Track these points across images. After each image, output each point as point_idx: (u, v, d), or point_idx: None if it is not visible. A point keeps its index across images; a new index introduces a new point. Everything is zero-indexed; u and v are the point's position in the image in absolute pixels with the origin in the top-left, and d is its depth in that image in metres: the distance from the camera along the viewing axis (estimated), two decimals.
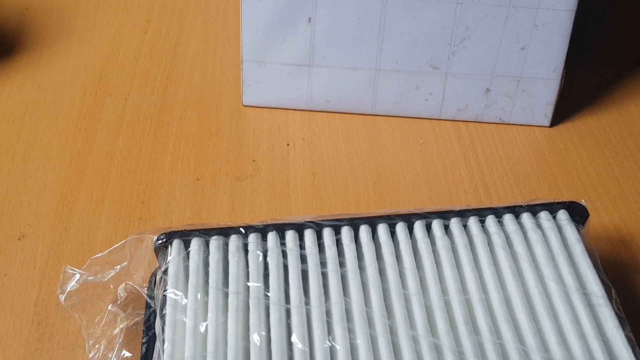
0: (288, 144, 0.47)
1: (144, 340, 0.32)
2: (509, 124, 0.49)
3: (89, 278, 0.35)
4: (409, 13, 0.45)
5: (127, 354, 0.34)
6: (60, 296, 0.35)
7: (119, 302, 0.35)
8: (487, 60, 0.46)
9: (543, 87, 0.47)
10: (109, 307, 0.35)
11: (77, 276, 0.35)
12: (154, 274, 0.35)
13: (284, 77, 0.48)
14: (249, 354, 0.30)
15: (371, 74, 0.47)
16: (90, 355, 0.34)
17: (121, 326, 0.35)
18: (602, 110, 0.51)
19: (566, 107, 0.50)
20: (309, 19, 0.46)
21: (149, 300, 0.34)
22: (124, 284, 0.35)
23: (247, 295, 0.32)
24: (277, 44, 0.47)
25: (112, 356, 0.33)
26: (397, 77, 0.47)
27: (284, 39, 0.47)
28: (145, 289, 0.35)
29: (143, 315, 0.34)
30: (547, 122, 0.49)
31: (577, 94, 0.51)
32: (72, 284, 0.35)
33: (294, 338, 0.30)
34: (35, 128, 0.48)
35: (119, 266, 0.35)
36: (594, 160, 0.47)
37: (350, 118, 0.49)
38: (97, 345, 0.34)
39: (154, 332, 0.32)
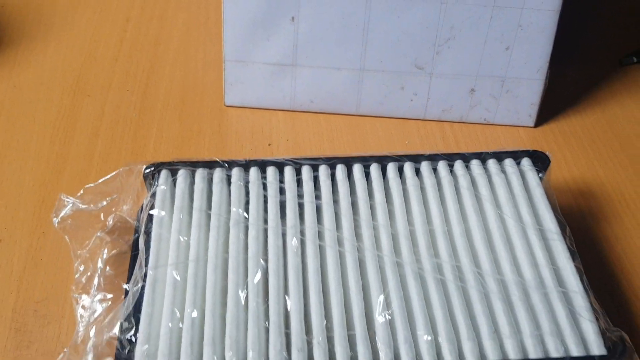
0: (270, 145, 0.47)
1: (131, 257, 0.35)
2: (493, 124, 0.49)
3: (82, 206, 0.37)
4: (394, 13, 0.44)
5: (111, 272, 0.36)
6: (53, 219, 0.37)
7: (107, 229, 0.37)
8: (471, 61, 0.46)
9: (527, 87, 0.47)
10: (98, 233, 0.37)
11: (71, 204, 0.37)
12: (142, 204, 0.37)
13: (267, 76, 0.47)
14: (227, 267, 0.33)
15: (355, 74, 0.47)
16: (77, 276, 0.36)
17: (107, 249, 0.37)
18: (586, 110, 0.51)
19: (550, 108, 0.50)
20: (293, 18, 0.45)
21: (136, 224, 0.36)
22: (113, 213, 0.37)
23: (228, 218, 0.35)
24: (260, 43, 0.46)
25: (97, 275, 0.36)
26: (381, 77, 0.47)
27: (267, 38, 0.46)
28: (133, 219, 0.37)
29: (129, 242, 0.37)
30: (531, 123, 0.49)
31: (561, 95, 0.51)
32: (65, 211, 0.37)
33: (269, 255, 0.33)
34: (12, 129, 0.46)
35: (109, 198, 0.37)
36: (578, 161, 0.47)
37: (334, 119, 0.49)
38: (82, 267, 0.36)
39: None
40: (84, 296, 0.35)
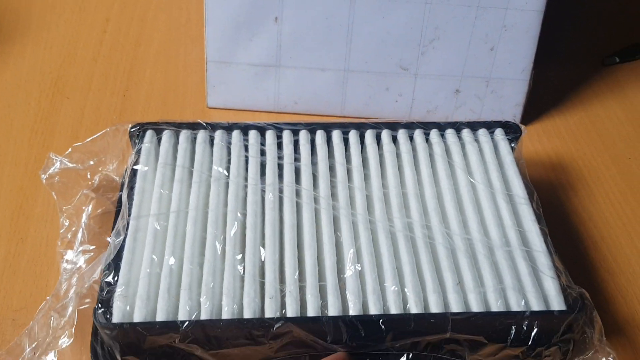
0: None
1: (115, 213, 0.36)
2: None
3: (69, 164, 0.38)
4: (378, 13, 0.44)
5: (95, 227, 0.37)
6: (42, 176, 0.38)
7: (93, 187, 0.39)
8: (456, 61, 0.46)
9: (512, 87, 0.47)
10: (84, 191, 0.38)
11: (59, 163, 0.38)
12: (128, 162, 0.38)
13: (250, 78, 0.47)
14: (207, 219, 0.34)
15: (340, 74, 0.46)
16: (62, 231, 0.37)
17: (92, 206, 0.38)
18: (569, 110, 0.51)
19: (534, 108, 0.50)
20: (276, 18, 0.44)
21: (122, 180, 0.37)
22: (99, 173, 0.39)
23: (210, 175, 0.36)
24: (242, 43, 0.45)
25: (81, 230, 0.37)
26: (366, 78, 0.46)
27: (250, 39, 0.45)
28: (119, 178, 0.39)
29: (114, 200, 0.38)
30: None
31: (545, 95, 0.51)
32: (53, 168, 0.38)
33: (247, 209, 0.34)
34: None
35: (96, 158, 0.39)
36: (562, 160, 0.47)
37: (319, 120, 0.48)
38: (67, 222, 0.37)
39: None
40: (69, 251, 0.36)
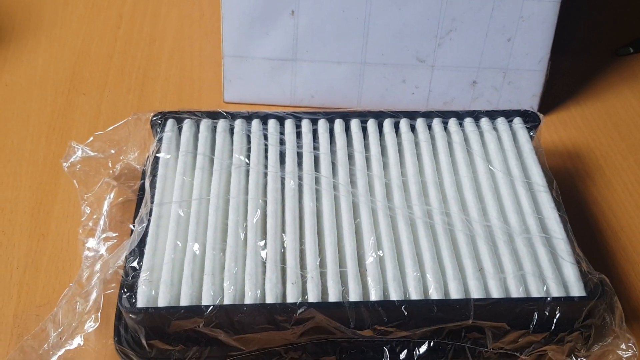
0: None
1: (137, 201, 0.36)
2: None
3: (90, 153, 0.38)
4: (394, 5, 0.44)
5: (117, 215, 0.38)
6: (63, 164, 0.38)
7: (114, 175, 0.39)
8: (473, 52, 0.46)
9: (529, 78, 0.47)
10: (105, 179, 0.38)
11: (80, 152, 0.38)
12: (149, 151, 0.38)
13: (267, 72, 0.47)
14: (228, 207, 0.34)
15: (356, 67, 0.46)
16: (83, 219, 0.37)
17: (114, 194, 0.39)
18: (585, 101, 0.51)
19: (550, 99, 0.50)
20: (292, 11, 0.44)
21: (143, 168, 0.37)
22: (121, 162, 0.39)
23: (230, 163, 0.36)
24: (259, 38, 0.45)
25: (102, 217, 0.37)
26: (383, 70, 0.46)
27: (266, 33, 0.45)
28: (140, 167, 0.39)
29: (135, 189, 0.38)
30: None
31: (560, 86, 0.51)
32: (75, 157, 0.38)
33: (268, 197, 0.35)
34: (5, 130, 0.45)
35: (117, 148, 0.39)
36: (579, 150, 0.47)
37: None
38: (89, 210, 0.38)
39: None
40: (90, 239, 0.36)
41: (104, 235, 0.36)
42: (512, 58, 0.46)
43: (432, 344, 0.32)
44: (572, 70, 0.53)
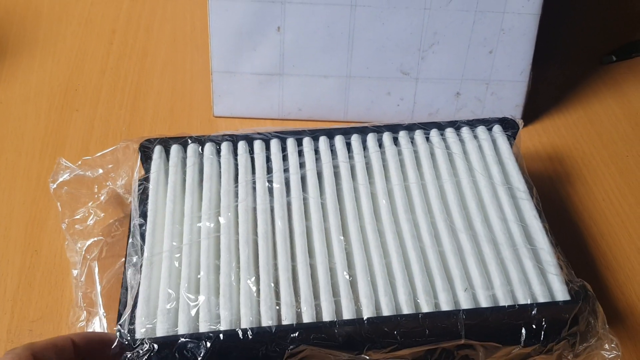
0: None
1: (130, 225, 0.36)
2: None
3: (79, 172, 0.39)
4: (378, 20, 0.45)
5: (100, 238, 0.38)
6: (50, 185, 0.38)
7: (100, 202, 0.39)
8: (456, 65, 0.47)
9: (511, 89, 0.48)
10: (89, 204, 0.39)
11: (68, 171, 0.39)
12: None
13: (255, 86, 0.48)
14: (219, 233, 0.35)
15: (342, 81, 0.47)
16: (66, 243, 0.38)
17: (98, 218, 0.39)
18: (568, 109, 0.51)
19: (534, 108, 0.51)
20: (278, 27, 0.45)
21: (132, 197, 0.38)
22: (107, 188, 0.39)
23: (219, 188, 0.37)
24: (246, 53, 0.46)
25: (83, 246, 0.38)
26: (368, 83, 0.47)
27: (253, 49, 0.46)
28: (125, 192, 0.40)
29: (118, 219, 0.39)
30: None
31: (544, 95, 0.52)
32: (62, 176, 0.38)
33: (258, 224, 0.36)
34: (0, 146, 0.46)
35: (104, 172, 0.39)
36: (562, 159, 0.48)
37: (322, 126, 0.49)
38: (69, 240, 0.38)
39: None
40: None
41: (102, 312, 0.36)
42: (495, 70, 0.47)
43: None
44: (557, 79, 0.54)
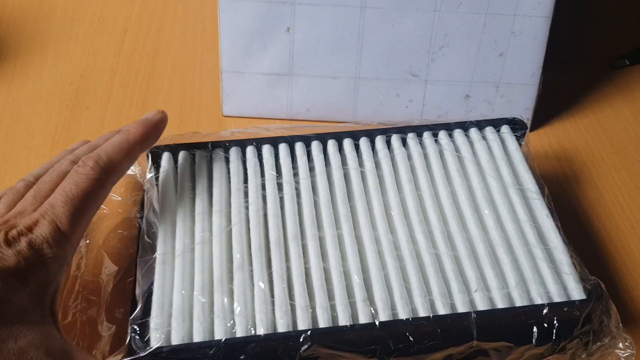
0: None
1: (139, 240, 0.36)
2: None
3: None
4: (387, 22, 0.45)
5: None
6: None
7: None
8: (466, 67, 0.47)
9: (522, 92, 0.47)
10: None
11: None
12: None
13: (264, 87, 0.48)
14: (231, 237, 0.35)
15: (351, 82, 0.47)
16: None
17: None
18: (579, 113, 0.51)
19: (544, 112, 0.50)
20: (288, 28, 0.46)
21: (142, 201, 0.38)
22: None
23: (229, 195, 0.37)
24: (256, 54, 0.47)
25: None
26: (377, 85, 0.47)
27: (263, 49, 0.46)
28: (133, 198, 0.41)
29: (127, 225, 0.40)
30: None
31: (554, 99, 0.52)
32: None
33: (270, 234, 0.35)
34: (11, 143, 0.47)
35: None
36: (572, 163, 0.47)
37: (330, 126, 0.49)
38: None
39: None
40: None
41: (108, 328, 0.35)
42: (505, 72, 0.47)
43: None
44: (568, 82, 0.53)
